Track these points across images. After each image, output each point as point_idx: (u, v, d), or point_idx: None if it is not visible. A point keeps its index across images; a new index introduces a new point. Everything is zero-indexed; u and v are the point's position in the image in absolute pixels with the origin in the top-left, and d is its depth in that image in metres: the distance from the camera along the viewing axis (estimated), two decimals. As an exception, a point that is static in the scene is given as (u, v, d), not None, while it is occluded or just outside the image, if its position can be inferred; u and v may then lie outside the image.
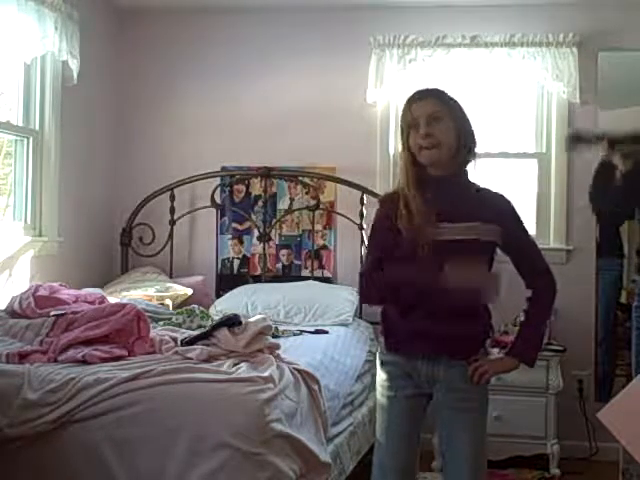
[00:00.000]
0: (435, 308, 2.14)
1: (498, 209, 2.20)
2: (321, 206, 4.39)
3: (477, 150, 2.22)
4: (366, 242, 2.86)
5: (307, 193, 4.43)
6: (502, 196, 2.26)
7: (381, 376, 2.29)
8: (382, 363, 2.29)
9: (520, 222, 2.26)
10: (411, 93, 2.23)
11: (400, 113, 2.25)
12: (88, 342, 2.70)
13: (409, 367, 2.21)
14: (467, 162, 2.20)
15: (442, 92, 2.22)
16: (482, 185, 2.25)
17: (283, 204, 4.47)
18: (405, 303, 2.19)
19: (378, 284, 2.24)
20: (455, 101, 2.21)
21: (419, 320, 2.17)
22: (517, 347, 2.25)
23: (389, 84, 4.24)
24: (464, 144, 2.16)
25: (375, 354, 2.47)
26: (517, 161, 4.41)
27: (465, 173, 2.21)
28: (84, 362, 2.55)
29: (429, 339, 2.17)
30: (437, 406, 2.24)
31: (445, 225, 2.12)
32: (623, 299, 4.34)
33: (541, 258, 2.30)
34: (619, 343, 4.24)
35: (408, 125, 2.16)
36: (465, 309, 2.15)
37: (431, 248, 2.10)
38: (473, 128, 2.20)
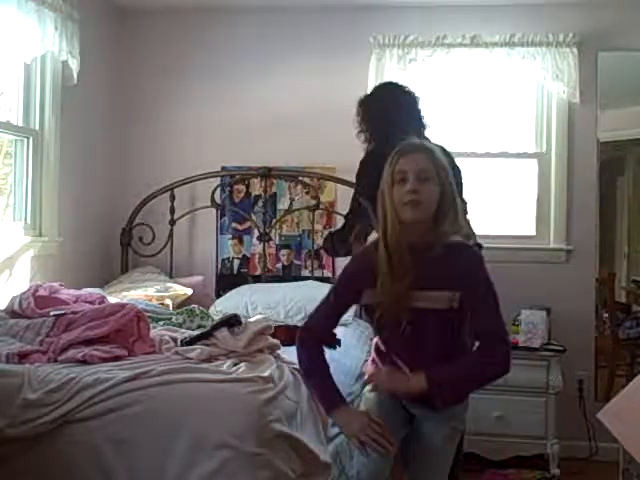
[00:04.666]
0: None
1: (464, 270, 2.13)
2: (321, 206, 4.39)
3: (467, 212, 2.32)
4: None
5: (307, 193, 4.43)
6: (470, 255, 2.18)
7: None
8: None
9: (486, 282, 2.15)
10: (399, 145, 2.17)
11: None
12: (88, 342, 2.69)
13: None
14: (442, 224, 2.12)
15: (432, 149, 2.16)
16: (453, 239, 2.15)
17: (283, 204, 4.47)
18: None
19: (305, 357, 2.31)
20: (443, 162, 2.14)
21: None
22: (436, 371, 2.13)
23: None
24: (442, 211, 2.11)
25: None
26: (517, 161, 4.41)
27: (444, 235, 2.13)
28: (84, 362, 2.55)
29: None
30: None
31: (418, 293, 2.12)
32: (623, 299, 4.35)
33: (501, 324, 2.17)
34: (619, 343, 4.24)
35: (393, 178, 2.11)
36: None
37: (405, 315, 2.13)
38: (455, 196, 2.15)
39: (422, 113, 3.24)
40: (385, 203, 2.11)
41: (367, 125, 3.22)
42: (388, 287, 2.10)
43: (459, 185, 2.92)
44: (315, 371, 2.28)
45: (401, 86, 3.29)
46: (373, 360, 2.44)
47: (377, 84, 3.69)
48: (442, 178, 2.11)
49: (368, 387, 2.45)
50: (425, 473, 2.30)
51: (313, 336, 2.30)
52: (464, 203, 2.83)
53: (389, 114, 3.14)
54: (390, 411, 2.32)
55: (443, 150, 2.66)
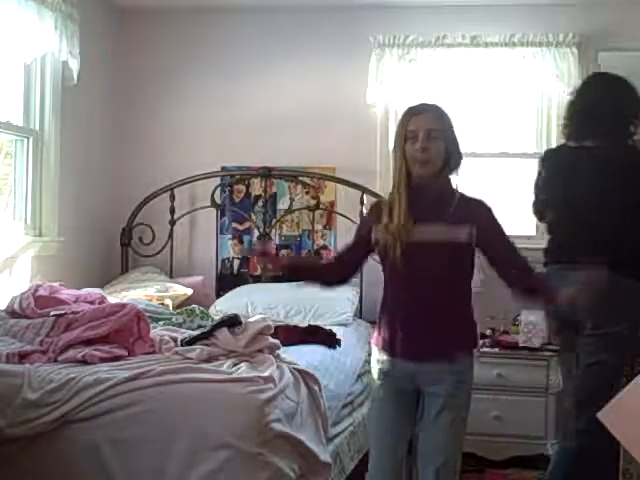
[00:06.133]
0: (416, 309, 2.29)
1: (473, 212, 2.31)
2: (321, 206, 4.39)
3: (461, 166, 2.36)
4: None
5: (307, 193, 4.43)
6: (480, 201, 2.37)
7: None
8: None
9: (496, 222, 2.36)
10: (410, 106, 2.35)
11: (399, 117, 2.38)
12: (88, 342, 2.70)
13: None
14: (450, 174, 2.34)
15: (441, 110, 2.34)
16: (467, 193, 2.36)
17: (283, 204, 4.47)
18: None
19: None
20: (450, 121, 2.34)
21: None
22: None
23: (389, 84, 4.24)
24: (449, 165, 2.32)
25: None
26: (517, 161, 4.41)
27: (448, 183, 2.35)
28: (84, 362, 2.55)
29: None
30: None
31: (421, 227, 2.27)
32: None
33: (519, 254, 2.36)
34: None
35: (405, 135, 2.29)
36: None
37: (406, 249, 2.25)
38: (459, 148, 2.34)
39: None
40: (397, 158, 2.31)
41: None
42: (390, 220, 2.29)
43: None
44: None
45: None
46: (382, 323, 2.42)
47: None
48: (449, 136, 2.31)
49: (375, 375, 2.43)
50: (436, 440, 2.30)
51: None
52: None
53: None
54: (395, 410, 2.34)
55: None
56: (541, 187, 3.15)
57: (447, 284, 2.29)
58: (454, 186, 2.35)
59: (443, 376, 2.27)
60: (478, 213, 2.32)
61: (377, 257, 2.40)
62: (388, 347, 2.34)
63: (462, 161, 2.34)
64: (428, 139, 2.25)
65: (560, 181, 3.04)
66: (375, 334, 2.42)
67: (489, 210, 2.35)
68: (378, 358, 2.39)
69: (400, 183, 2.29)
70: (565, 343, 3.14)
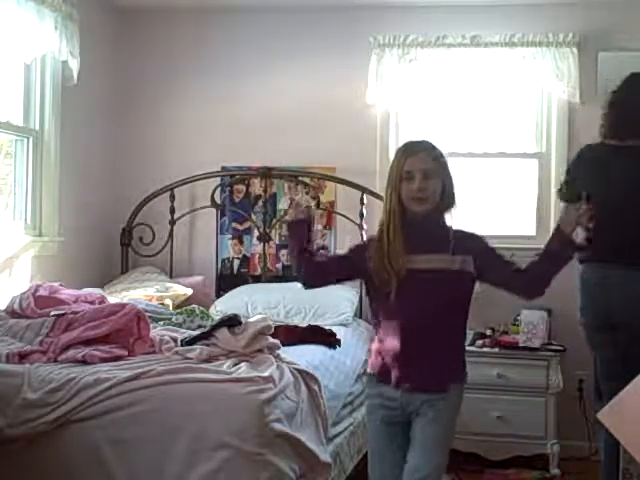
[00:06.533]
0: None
1: (470, 243, 2.32)
2: (321, 206, 4.39)
3: (454, 206, 2.35)
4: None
5: (307, 193, 4.43)
6: (473, 234, 2.37)
7: None
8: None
9: (489, 248, 2.35)
10: (406, 143, 2.36)
11: (393, 157, 2.35)
12: (88, 342, 2.70)
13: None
14: (445, 211, 2.34)
15: (434, 148, 2.34)
16: (460, 228, 2.36)
17: (283, 204, 4.47)
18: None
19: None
20: (444, 158, 2.35)
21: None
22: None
23: (389, 84, 4.24)
24: (444, 201, 2.31)
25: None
26: (517, 161, 4.41)
27: (443, 218, 2.34)
28: (84, 362, 2.56)
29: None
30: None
31: (419, 257, 2.26)
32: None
33: (509, 261, 2.38)
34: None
35: (401, 176, 2.28)
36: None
37: (403, 278, 2.24)
38: (454, 186, 2.34)
39: None
40: (391, 198, 2.30)
41: None
42: (382, 251, 2.28)
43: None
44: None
45: None
46: (376, 352, 2.40)
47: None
48: (444, 173, 2.32)
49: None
50: (423, 450, 2.27)
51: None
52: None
53: None
54: (387, 441, 2.33)
55: None
56: (576, 183, 3.12)
57: (445, 314, 2.28)
58: (448, 222, 2.34)
59: (434, 403, 2.27)
60: (473, 245, 2.32)
61: (368, 290, 2.40)
62: (383, 376, 2.32)
63: (455, 202, 2.34)
64: (425, 179, 2.26)
65: (597, 179, 3.03)
66: (371, 360, 2.41)
67: (481, 239, 2.36)
68: (370, 392, 2.39)
69: (392, 221, 2.28)
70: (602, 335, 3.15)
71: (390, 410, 2.31)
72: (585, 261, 3.08)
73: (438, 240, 2.29)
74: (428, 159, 2.29)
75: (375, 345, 2.39)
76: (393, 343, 2.29)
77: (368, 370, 2.42)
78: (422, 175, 2.25)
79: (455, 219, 2.35)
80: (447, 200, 2.32)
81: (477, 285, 2.37)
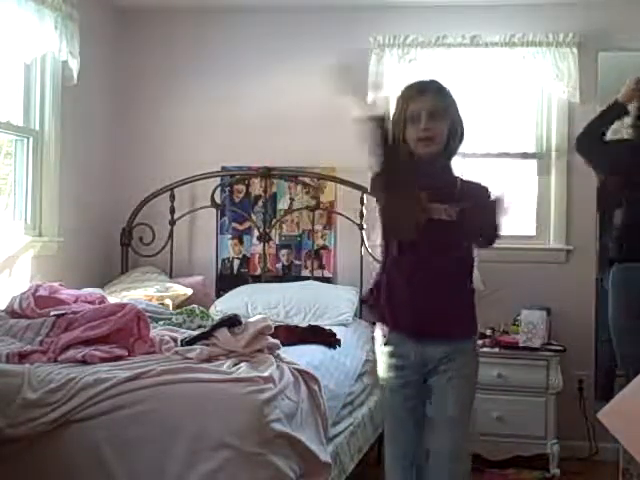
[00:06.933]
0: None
1: (476, 197, 2.30)
2: (321, 206, 4.39)
3: (464, 148, 2.33)
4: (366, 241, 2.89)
5: (307, 193, 4.43)
6: (481, 185, 2.34)
7: None
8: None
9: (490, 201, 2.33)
10: (411, 83, 2.28)
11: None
12: (88, 342, 2.70)
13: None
14: (453, 155, 2.30)
15: (442, 88, 2.27)
16: (466, 178, 2.33)
17: (283, 204, 4.47)
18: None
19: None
20: (452, 99, 2.27)
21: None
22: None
23: (389, 84, 4.24)
24: (452, 143, 2.27)
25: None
26: (517, 161, 4.41)
27: (450, 165, 2.30)
28: (84, 362, 2.55)
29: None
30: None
31: (435, 205, 2.21)
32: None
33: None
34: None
35: (405, 117, 2.22)
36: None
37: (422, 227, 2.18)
38: (464, 128, 2.30)
39: None
40: (397, 140, 2.23)
41: None
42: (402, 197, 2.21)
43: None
44: None
45: None
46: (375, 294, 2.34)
47: None
48: (451, 114, 2.26)
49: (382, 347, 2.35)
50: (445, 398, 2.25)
51: None
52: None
53: None
54: (402, 407, 2.29)
55: None
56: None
57: (459, 263, 2.27)
58: (454, 168, 2.30)
59: (451, 355, 2.22)
60: (481, 194, 2.30)
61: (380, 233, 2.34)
62: (394, 323, 2.26)
63: (464, 141, 2.28)
64: (430, 119, 2.19)
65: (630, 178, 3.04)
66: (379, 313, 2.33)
67: (487, 190, 2.34)
68: (383, 348, 2.30)
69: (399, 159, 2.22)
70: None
71: (404, 370, 2.25)
72: (617, 261, 3.09)
73: (444, 189, 2.23)
74: (436, 100, 2.22)
75: (383, 294, 2.29)
76: (405, 288, 2.23)
77: (378, 325, 2.33)
78: (428, 116, 2.19)
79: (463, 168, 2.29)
80: (455, 143, 2.25)
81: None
